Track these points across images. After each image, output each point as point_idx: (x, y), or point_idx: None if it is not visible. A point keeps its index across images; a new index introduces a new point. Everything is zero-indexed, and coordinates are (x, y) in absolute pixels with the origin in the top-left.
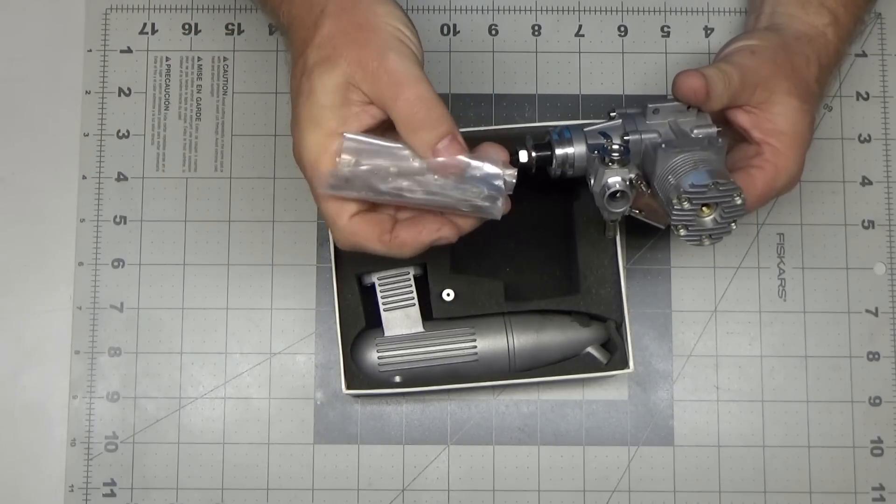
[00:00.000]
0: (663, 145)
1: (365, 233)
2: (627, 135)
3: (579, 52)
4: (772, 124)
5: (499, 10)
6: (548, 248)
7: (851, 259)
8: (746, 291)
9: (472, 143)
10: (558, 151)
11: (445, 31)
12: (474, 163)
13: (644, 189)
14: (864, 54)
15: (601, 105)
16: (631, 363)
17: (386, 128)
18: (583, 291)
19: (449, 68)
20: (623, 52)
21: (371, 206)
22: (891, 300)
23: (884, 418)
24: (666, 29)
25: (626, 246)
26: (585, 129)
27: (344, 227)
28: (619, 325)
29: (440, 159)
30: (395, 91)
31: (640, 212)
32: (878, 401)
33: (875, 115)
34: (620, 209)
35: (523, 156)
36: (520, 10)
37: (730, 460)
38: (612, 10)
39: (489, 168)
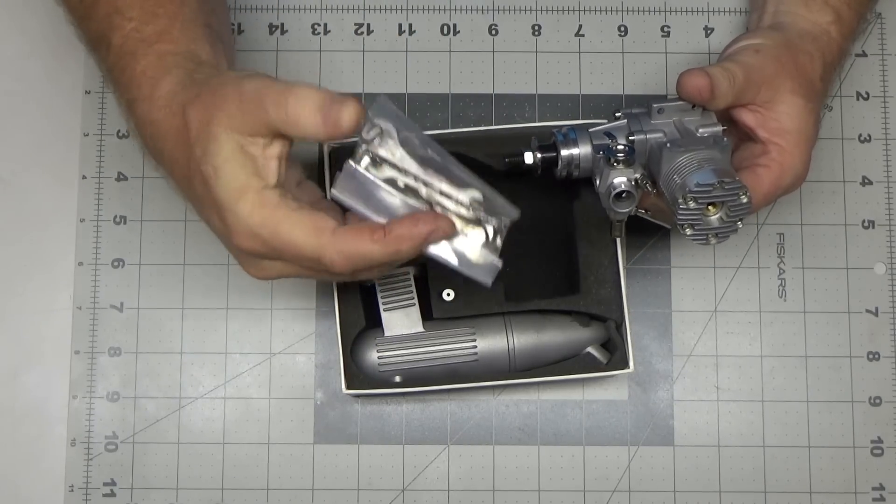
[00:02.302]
0: (668, 145)
1: (355, 237)
2: (632, 135)
3: (579, 52)
4: (777, 123)
5: (499, 10)
6: (548, 248)
7: (851, 259)
8: (746, 291)
9: (473, 143)
10: (563, 153)
11: (445, 31)
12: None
13: (650, 189)
14: (864, 54)
15: (601, 105)
16: (631, 363)
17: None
18: (583, 291)
19: (449, 68)
20: (623, 52)
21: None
22: (891, 300)
23: (884, 418)
24: (666, 29)
25: (626, 246)
26: (590, 130)
27: (330, 243)
28: (619, 325)
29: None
30: (275, 99)
31: (646, 211)
32: (878, 401)
33: (875, 115)
34: (626, 209)
35: (528, 157)
36: (520, 10)
37: (730, 460)
38: (612, 10)
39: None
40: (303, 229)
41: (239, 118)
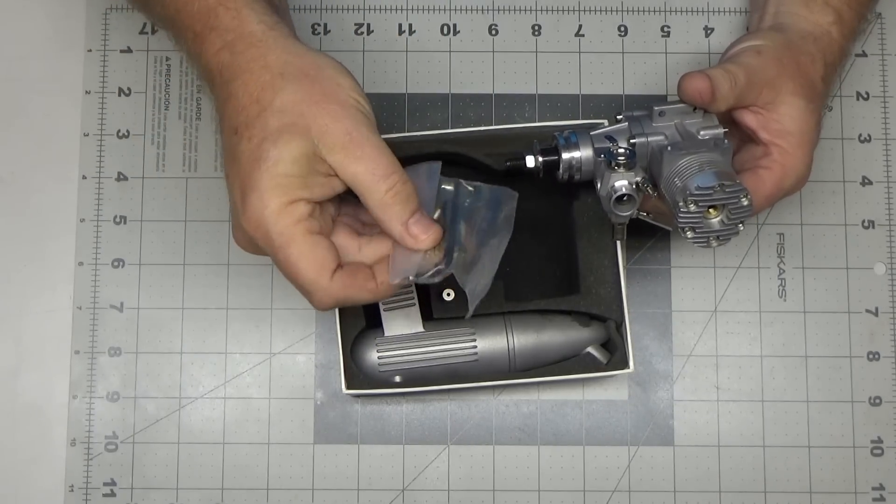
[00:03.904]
0: (669, 147)
1: (349, 286)
2: (633, 138)
3: (579, 52)
4: (779, 125)
5: (499, 10)
6: (548, 248)
7: (851, 259)
8: (746, 291)
9: (473, 143)
10: (565, 156)
11: (445, 31)
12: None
13: (651, 192)
14: (864, 54)
15: (601, 105)
16: (631, 363)
17: (343, 197)
18: (583, 291)
19: (449, 68)
20: (623, 52)
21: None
22: (891, 300)
23: (884, 418)
24: (666, 29)
25: (626, 246)
26: (592, 133)
27: (325, 287)
28: (619, 325)
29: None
30: (369, 166)
31: (647, 214)
32: (878, 401)
33: (875, 115)
34: (627, 212)
35: (530, 161)
36: (520, 10)
37: (730, 460)
38: (612, 10)
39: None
40: (308, 262)
41: (331, 143)
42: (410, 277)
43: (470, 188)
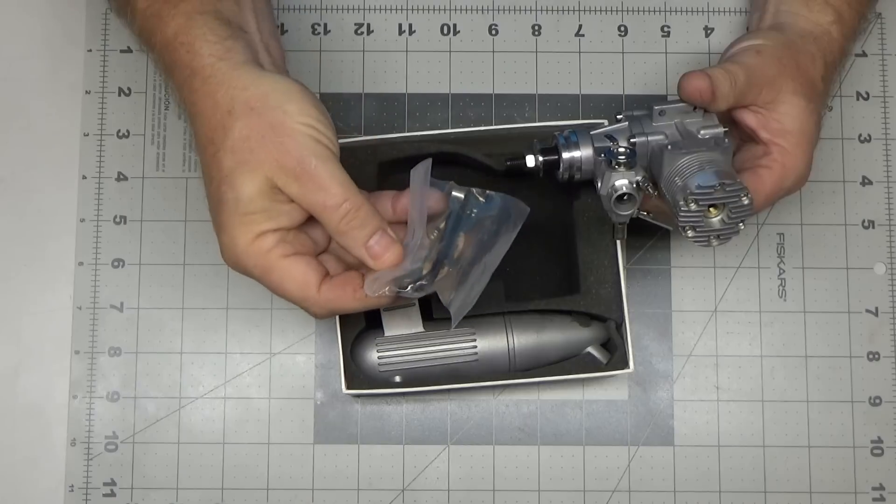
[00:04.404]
0: (670, 147)
1: (337, 295)
2: (634, 137)
3: (579, 52)
4: (779, 124)
5: (499, 10)
6: (548, 248)
7: (851, 259)
8: (746, 291)
9: (473, 143)
10: (565, 156)
11: (445, 31)
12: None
13: (651, 191)
14: (864, 54)
15: (601, 105)
16: (631, 363)
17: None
18: (583, 291)
19: (449, 68)
20: (623, 52)
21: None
22: (891, 300)
23: (884, 418)
24: (666, 29)
25: (626, 246)
26: (592, 133)
27: (314, 298)
28: (619, 325)
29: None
30: (321, 197)
31: (648, 214)
32: (878, 401)
33: (875, 115)
34: (628, 212)
35: (530, 161)
36: (520, 10)
37: (730, 460)
38: (612, 10)
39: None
40: (291, 282)
41: (285, 176)
42: (386, 291)
43: (481, 198)
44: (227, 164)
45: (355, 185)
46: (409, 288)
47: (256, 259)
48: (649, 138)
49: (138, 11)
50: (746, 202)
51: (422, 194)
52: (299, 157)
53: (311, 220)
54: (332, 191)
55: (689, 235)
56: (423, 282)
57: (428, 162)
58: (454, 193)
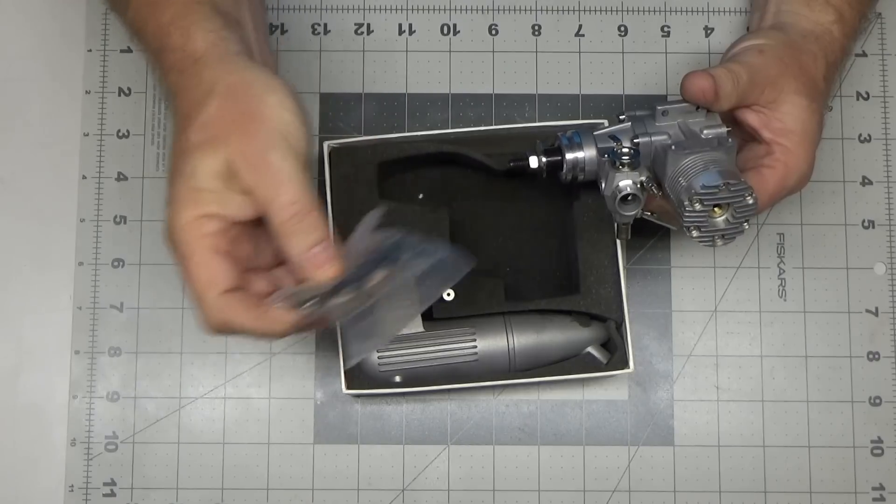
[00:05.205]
0: (673, 147)
1: (235, 310)
2: (637, 137)
3: (579, 52)
4: (781, 123)
5: (499, 10)
6: (548, 248)
7: (851, 259)
8: (746, 291)
9: (473, 143)
10: (568, 156)
11: (445, 31)
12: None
13: (655, 191)
14: (864, 54)
15: (601, 105)
16: (631, 363)
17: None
18: (583, 291)
19: (449, 68)
20: (623, 52)
21: (241, 284)
22: (891, 300)
23: (884, 418)
24: (666, 29)
25: (626, 246)
26: (595, 133)
27: (213, 301)
28: (619, 325)
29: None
30: (275, 192)
31: (651, 214)
32: (878, 401)
33: (875, 115)
34: (632, 212)
35: (534, 161)
36: (520, 10)
37: (730, 460)
38: (612, 10)
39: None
40: (198, 276)
41: (245, 164)
42: (282, 303)
43: (419, 246)
44: (192, 139)
45: (314, 193)
46: (308, 303)
47: (187, 239)
48: (652, 138)
49: (133, 8)
50: (751, 202)
51: (362, 233)
52: (264, 148)
53: (261, 229)
54: (286, 187)
55: (694, 235)
56: (317, 298)
57: (381, 211)
58: (387, 236)
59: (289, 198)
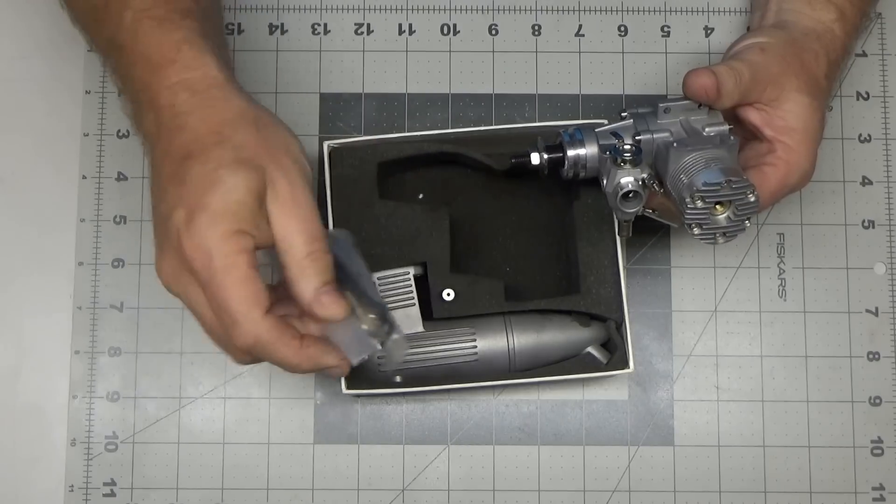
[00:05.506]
0: (675, 144)
1: (277, 335)
2: (639, 134)
3: (579, 52)
4: (783, 122)
5: (499, 10)
6: (548, 248)
7: (851, 259)
8: (746, 291)
9: (473, 143)
10: (570, 153)
11: (445, 31)
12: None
13: (657, 188)
14: (864, 54)
15: (601, 105)
16: (631, 363)
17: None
18: (583, 291)
19: (449, 68)
20: (623, 52)
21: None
22: (891, 300)
23: (884, 418)
24: (666, 29)
25: (626, 246)
26: (597, 130)
27: (253, 322)
28: (619, 325)
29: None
30: (298, 227)
31: (653, 211)
32: (878, 401)
33: (875, 115)
34: (634, 209)
35: (535, 158)
36: (520, 10)
37: (730, 460)
38: (612, 10)
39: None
40: (246, 291)
41: (275, 193)
42: (366, 356)
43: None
44: (230, 155)
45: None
46: (379, 347)
47: (229, 251)
48: (654, 136)
49: (132, 21)
50: (752, 199)
51: (349, 257)
52: (295, 182)
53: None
54: (309, 225)
55: (695, 233)
56: (385, 333)
57: (346, 233)
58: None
59: (311, 234)
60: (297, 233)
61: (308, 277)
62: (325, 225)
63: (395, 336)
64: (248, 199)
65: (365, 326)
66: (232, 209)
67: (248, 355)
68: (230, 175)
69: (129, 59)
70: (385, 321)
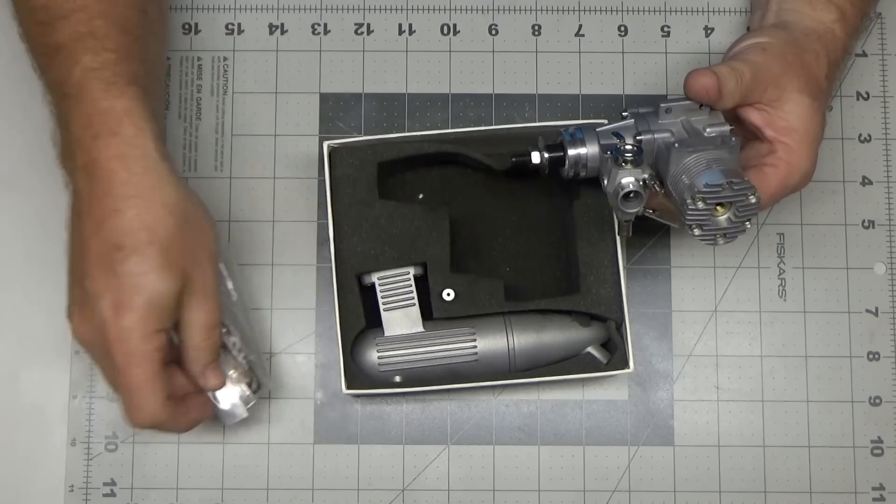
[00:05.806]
0: (676, 145)
1: (170, 414)
2: (640, 134)
3: (579, 52)
4: (784, 122)
5: (499, 10)
6: (548, 248)
7: (851, 259)
8: (746, 291)
9: (473, 143)
10: (571, 152)
11: (445, 31)
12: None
13: (657, 189)
14: (864, 54)
15: (601, 105)
16: (631, 363)
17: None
18: (583, 291)
19: (449, 68)
20: (623, 52)
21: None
22: (891, 300)
23: (884, 418)
24: (666, 29)
25: (626, 246)
26: (598, 130)
27: (156, 410)
28: (619, 325)
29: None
30: (204, 315)
31: (654, 211)
32: (878, 401)
33: (875, 115)
34: (634, 209)
35: (536, 157)
36: (520, 10)
37: (730, 460)
38: (612, 10)
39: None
40: (155, 388)
41: (190, 288)
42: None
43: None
44: (159, 260)
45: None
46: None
47: (146, 351)
48: (655, 136)
49: (79, 77)
50: (753, 201)
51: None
52: (207, 278)
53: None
54: (214, 315)
55: (696, 234)
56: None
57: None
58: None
59: (213, 323)
60: (199, 325)
61: (198, 359)
62: (325, 225)
63: (259, 390)
64: (170, 303)
65: (238, 388)
66: (156, 313)
67: (146, 428)
68: (159, 282)
69: (73, 111)
70: (251, 375)
